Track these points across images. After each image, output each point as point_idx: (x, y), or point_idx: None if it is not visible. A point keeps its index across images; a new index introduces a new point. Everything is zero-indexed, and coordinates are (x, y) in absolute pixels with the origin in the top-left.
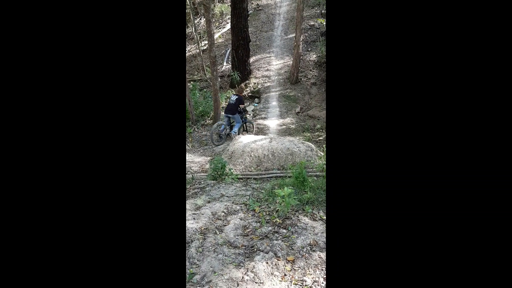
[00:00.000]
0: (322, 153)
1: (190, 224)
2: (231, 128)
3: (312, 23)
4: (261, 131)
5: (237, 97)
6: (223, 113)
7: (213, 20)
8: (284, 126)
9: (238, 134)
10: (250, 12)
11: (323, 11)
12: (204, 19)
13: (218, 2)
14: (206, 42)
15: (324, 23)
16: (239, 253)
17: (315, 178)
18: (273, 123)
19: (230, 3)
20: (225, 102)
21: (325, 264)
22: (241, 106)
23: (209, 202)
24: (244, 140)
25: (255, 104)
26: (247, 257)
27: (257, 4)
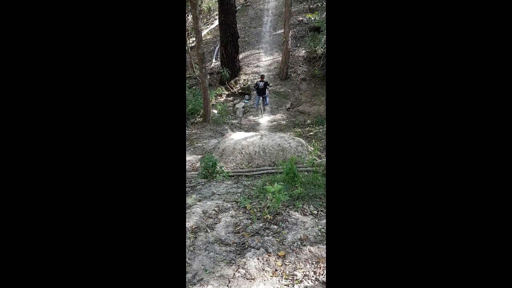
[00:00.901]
0: (312, 148)
1: None
2: (264, 102)
3: (300, 18)
4: (252, 127)
5: (263, 82)
6: (257, 95)
7: (201, 17)
8: (275, 122)
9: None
10: (238, 8)
11: (311, 6)
12: (191, 16)
13: None
14: (194, 39)
15: (313, 18)
16: (230, 251)
17: (305, 173)
18: (264, 119)
19: None
20: (215, 100)
21: (315, 258)
22: (268, 86)
23: (200, 200)
24: (235, 137)
25: (246, 101)
26: (238, 254)
27: (245, 0)
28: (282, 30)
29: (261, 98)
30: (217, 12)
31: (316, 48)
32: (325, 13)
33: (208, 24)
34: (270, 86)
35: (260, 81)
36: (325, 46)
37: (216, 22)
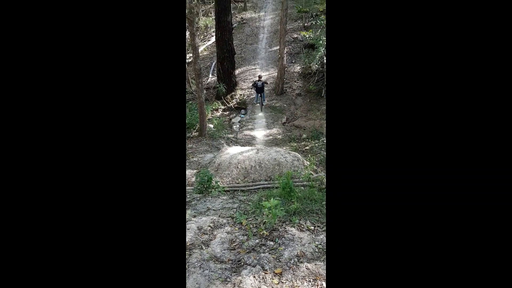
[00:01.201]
0: (308, 163)
1: None
2: (262, 98)
3: (295, 35)
4: (248, 142)
5: (261, 81)
6: (256, 93)
7: (198, 33)
8: (271, 137)
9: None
10: (234, 25)
11: (306, 24)
12: (189, 33)
13: (203, 15)
14: (191, 55)
15: (307, 36)
16: (225, 268)
17: (302, 188)
18: (260, 133)
19: (214, 17)
20: (211, 114)
21: (312, 275)
22: (265, 84)
23: (195, 216)
24: (231, 151)
25: (242, 115)
26: (234, 272)
27: (241, 18)
28: (278, 47)
29: (259, 95)
30: (214, 29)
31: (311, 64)
32: (319, 30)
33: (205, 41)
34: (267, 84)
35: (258, 80)
36: (319, 62)
37: (213, 39)
